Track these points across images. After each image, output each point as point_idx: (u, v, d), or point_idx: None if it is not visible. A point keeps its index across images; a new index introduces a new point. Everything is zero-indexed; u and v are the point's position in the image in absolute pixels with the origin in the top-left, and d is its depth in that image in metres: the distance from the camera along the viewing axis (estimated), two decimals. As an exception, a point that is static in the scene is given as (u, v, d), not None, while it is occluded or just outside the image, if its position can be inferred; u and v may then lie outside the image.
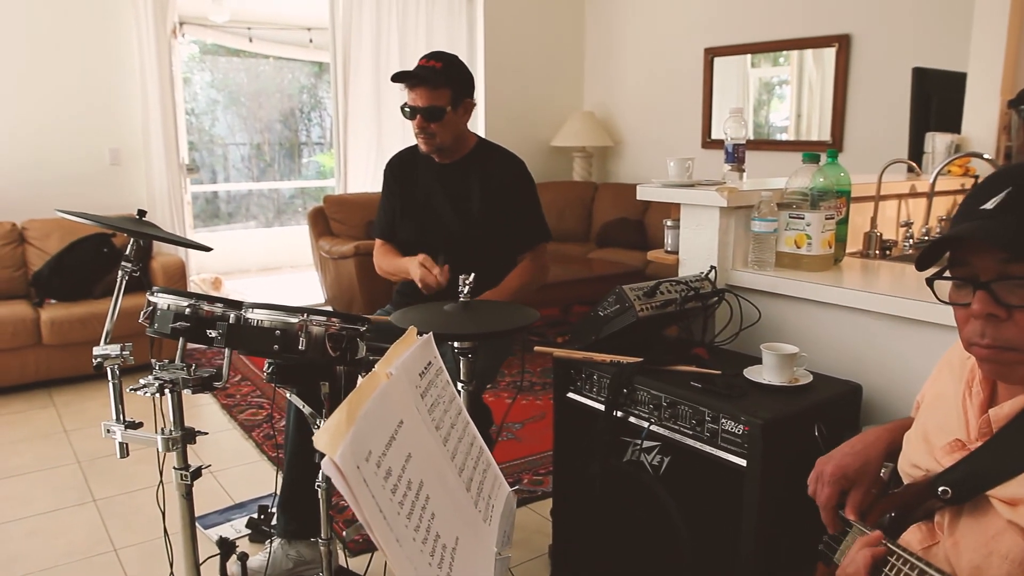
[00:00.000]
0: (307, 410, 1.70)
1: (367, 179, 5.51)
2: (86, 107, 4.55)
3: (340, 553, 2.27)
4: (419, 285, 2.16)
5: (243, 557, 1.94)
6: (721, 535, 1.58)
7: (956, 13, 4.01)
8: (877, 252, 2.36)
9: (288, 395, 1.77)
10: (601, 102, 6.35)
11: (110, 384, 1.62)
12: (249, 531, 2.51)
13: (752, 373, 1.69)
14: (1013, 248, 0.91)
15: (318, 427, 1.67)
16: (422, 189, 2.37)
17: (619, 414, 1.75)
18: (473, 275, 1.75)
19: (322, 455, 0.75)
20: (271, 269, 7.44)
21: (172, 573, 1.83)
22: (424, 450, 0.96)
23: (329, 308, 4.79)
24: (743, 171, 2.28)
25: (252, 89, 7.49)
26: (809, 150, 2.05)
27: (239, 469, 3.04)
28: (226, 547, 1.94)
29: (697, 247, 2.09)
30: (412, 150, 2.42)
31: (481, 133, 4.35)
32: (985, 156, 2.58)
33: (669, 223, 2.25)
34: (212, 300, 1.62)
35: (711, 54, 5.45)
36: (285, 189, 7.95)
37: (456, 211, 2.32)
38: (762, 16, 5.10)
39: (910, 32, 4.35)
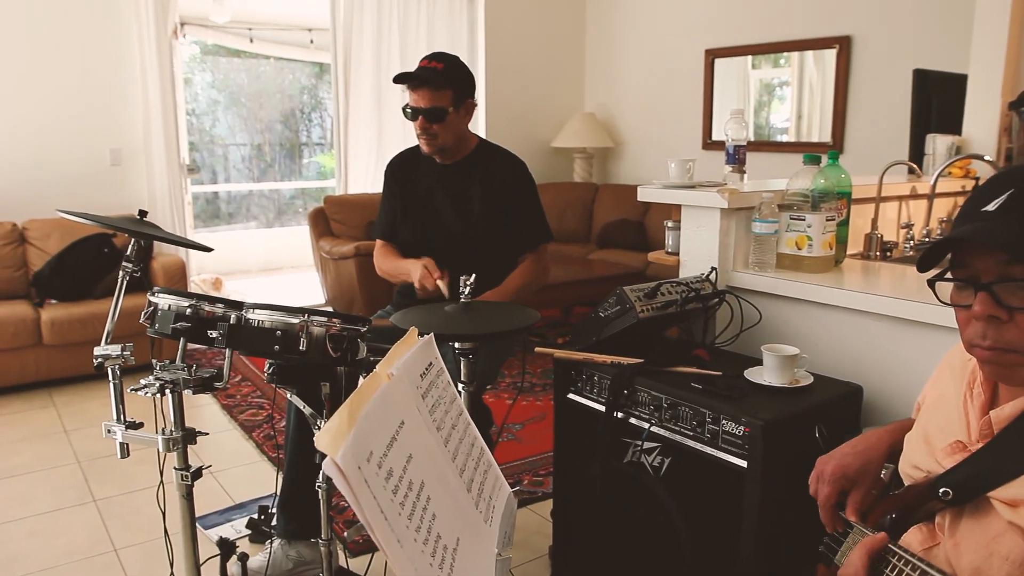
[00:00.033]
0: (307, 410, 1.70)
1: (368, 180, 5.51)
2: (87, 107, 4.56)
3: (340, 554, 2.27)
4: (416, 287, 2.16)
5: (243, 557, 1.93)
6: (721, 536, 1.58)
7: (957, 15, 4.01)
8: (878, 254, 2.36)
9: (288, 395, 1.77)
10: (602, 103, 6.35)
11: (111, 384, 1.62)
12: (249, 531, 2.51)
13: (753, 374, 1.69)
14: (1014, 250, 0.91)
15: (318, 428, 1.67)
16: (423, 190, 2.37)
17: (620, 415, 1.75)
18: (474, 276, 1.75)
19: (323, 455, 0.75)
20: (271, 270, 7.44)
21: (172, 573, 1.83)
22: (425, 451, 0.96)
23: (330, 309, 4.79)
24: (744, 172, 2.28)
25: (253, 89, 7.49)
26: (810, 151, 2.05)
27: (239, 469, 3.04)
28: (226, 547, 1.94)
29: (698, 248, 2.09)
30: (413, 151, 2.42)
31: (482, 134, 4.34)
32: (986, 158, 2.58)
33: (670, 224, 2.25)
34: (213, 300, 1.62)
35: (712, 55, 5.45)
36: (286, 190, 7.95)
37: (457, 212, 2.32)
38: (763, 17, 5.11)
39: (911, 34, 4.35)
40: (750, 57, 5.29)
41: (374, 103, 5.46)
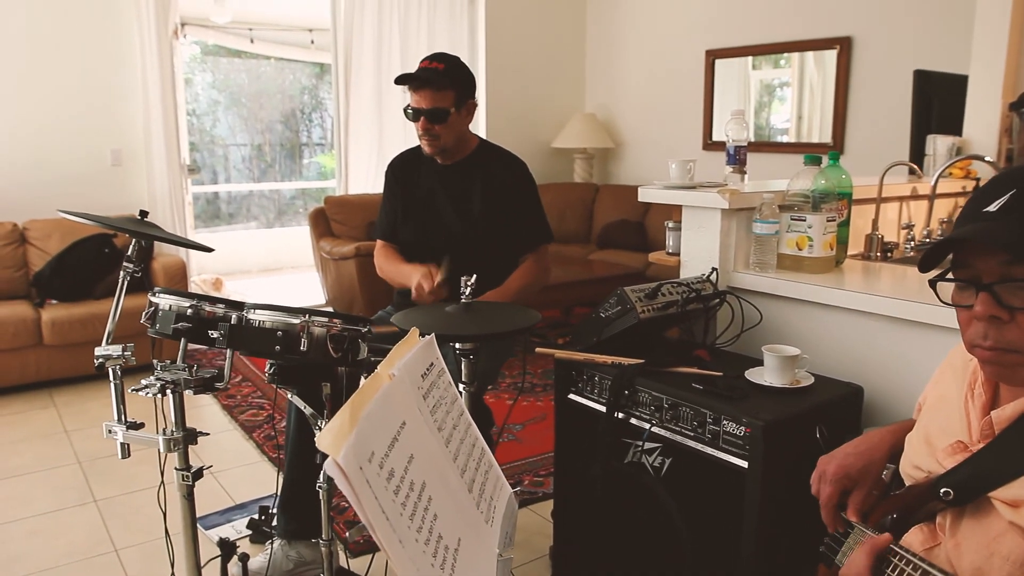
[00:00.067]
0: (308, 411, 1.70)
1: (368, 180, 5.51)
2: (87, 107, 4.56)
3: (341, 554, 2.27)
4: (413, 296, 2.16)
5: (244, 558, 1.93)
6: (722, 536, 1.58)
7: (957, 16, 4.01)
8: (878, 254, 2.36)
9: (289, 396, 1.77)
10: (602, 104, 6.35)
11: (112, 385, 1.62)
12: (250, 532, 2.51)
13: (753, 375, 1.69)
14: (1016, 250, 0.91)
15: (319, 428, 1.67)
16: (424, 190, 2.38)
17: (620, 416, 1.75)
18: (475, 276, 1.76)
19: (324, 456, 0.75)
20: (272, 270, 7.44)
21: (173, 574, 1.83)
22: (426, 451, 0.97)
23: (330, 309, 4.79)
24: (744, 173, 2.28)
25: (253, 90, 7.50)
26: (810, 152, 2.05)
27: (240, 470, 3.04)
28: (227, 548, 1.94)
29: (698, 249, 2.09)
30: (414, 151, 2.42)
31: (482, 134, 4.34)
32: (986, 159, 2.58)
33: (671, 225, 2.25)
34: (214, 301, 1.62)
35: (712, 56, 5.45)
36: (286, 190, 7.95)
37: (457, 212, 2.33)
38: (763, 18, 5.11)
39: (911, 34, 4.35)
40: (750, 58, 5.29)
41: (375, 103, 5.47)
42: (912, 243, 2.53)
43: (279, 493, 2.26)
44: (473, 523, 1.02)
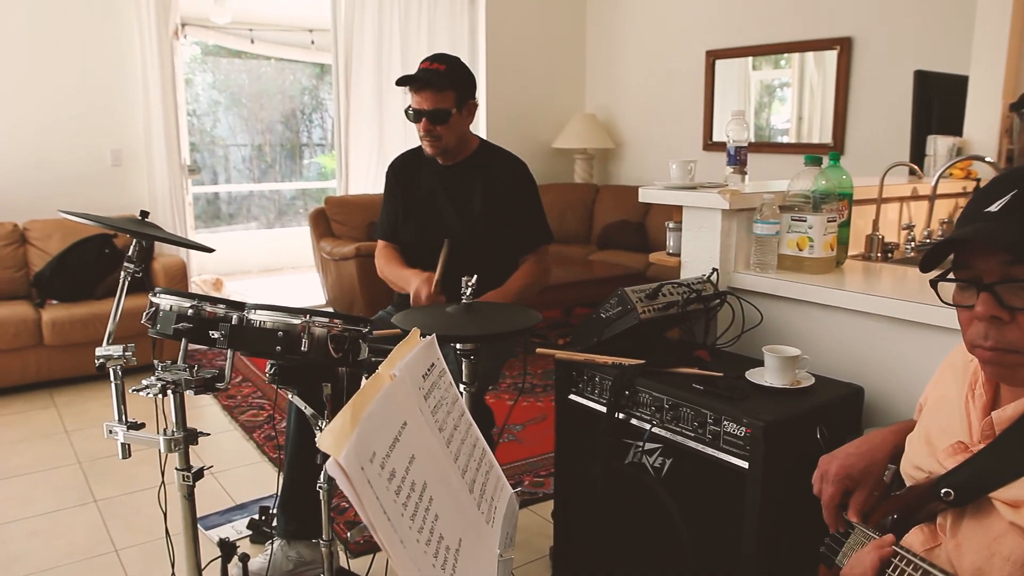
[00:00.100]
0: (309, 411, 1.70)
1: (368, 180, 5.51)
2: (87, 108, 4.56)
3: (341, 554, 2.27)
4: (412, 302, 2.17)
5: (244, 558, 1.93)
6: (723, 537, 1.58)
7: (957, 16, 4.01)
8: (879, 255, 2.36)
9: (290, 396, 1.77)
10: (602, 104, 6.35)
11: (112, 385, 1.62)
12: (250, 532, 2.51)
13: (754, 375, 1.69)
14: (1017, 251, 0.91)
15: (320, 428, 1.67)
16: (424, 191, 2.38)
17: (621, 416, 1.75)
18: (475, 276, 1.76)
19: (324, 456, 0.75)
20: (272, 270, 7.44)
21: (174, 574, 1.83)
22: (427, 451, 0.97)
23: (330, 309, 4.79)
24: (745, 173, 2.28)
25: (253, 90, 7.50)
26: (810, 153, 2.05)
27: (240, 470, 3.04)
28: (227, 548, 1.94)
29: (699, 249, 2.09)
30: (415, 152, 2.43)
31: (483, 135, 4.35)
32: (987, 159, 2.58)
33: (671, 225, 2.25)
34: (214, 301, 1.62)
35: (712, 56, 5.45)
36: (286, 190, 7.95)
37: (458, 213, 2.33)
38: (763, 19, 5.11)
39: (911, 35, 4.35)
40: (751, 58, 5.29)
41: (375, 104, 5.47)
42: (912, 244, 2.53)
43: (279, 493, 2.26)
44: (474, 523, 1.02)
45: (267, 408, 3.66)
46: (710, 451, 1.58)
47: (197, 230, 6.27)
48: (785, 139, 5.25)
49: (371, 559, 2.22)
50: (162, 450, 1.62)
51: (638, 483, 1.73)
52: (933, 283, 1.03)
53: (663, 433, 1.67)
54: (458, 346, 1.71)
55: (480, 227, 2.31)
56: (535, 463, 3.09)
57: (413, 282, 2.17)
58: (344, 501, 2.67)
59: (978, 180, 2.86)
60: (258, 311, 1.57)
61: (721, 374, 1.71)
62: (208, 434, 1.71)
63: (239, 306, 1.61)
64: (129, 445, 1.62)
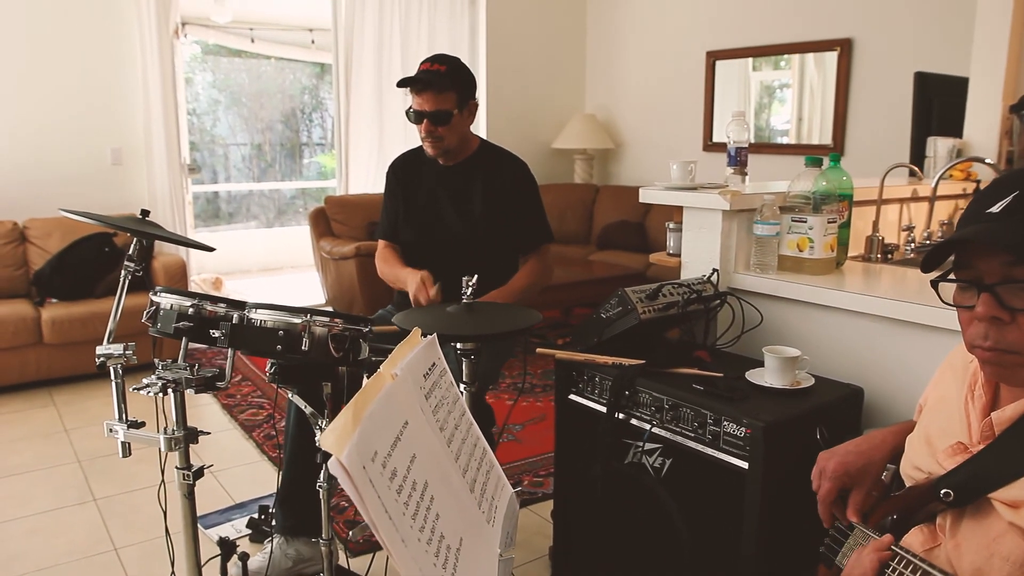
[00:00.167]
0: (308, 410, 1.70)
1: (368, 180, 5.51)
2: (87, 107, 4.56)
3: (341, 554, 2.27)
4: (411, 300, 2.17)
5: (244, 557, 1.94)
6: (722, 537, 1.58)
7: (958, 18, 4.02)
8: (879, 256, 2.36)
9: (290, 395, 1.77)
10: (602, 104, 6.35)
11: (113, 384, 1.62)
12: (250, 531, 2.51)
13: (754, 376, 1.69)
14: (1018, 251, 0.91)
15: (319, 427, 1.68)
16: (425, 191, 2.38)
17: (621, 416, 1.76)
18: (476, 276, 1.76)
19: (325, 455, 0.75)
20: (272, 269, 7.44)
21: (174, 573, 1.83)
22: (429, 451, 0.97)
23: (330, 309, 4.79)
24: (745, 174, 2.28)
25: (254, 89, 7.50)
26: (810, 154, 2.06)
27: (239, 469, 3.04)
28: (227, 547, 1.94)
29: (699, 250, 2.09)
30: (415, 152, 2.43)
31: (483, 135, 4.35)
32: (987, 161, 2.58)
33: (671, 226, 2.25)
34: (215, 300, 1.62)
35: (713, 57, 5.46)
36: (286, 189, 7.95)
37: (459, 213, 2.33)
38: (764, 19, 5.11)
39: (912, 36, 4.35)
40: (751, 59, 5.29)
41: (375, 103, 5.47)
42: (912, 245, 2.53)
43: (278, 489, 2.26)
44: (475, 523, 1.02)
45: (267, 407, 3.66)
46: (710, 451, 1.58)
47: (197, 229, 6.27)
48: (785, 140, 5.26)
49: (371, 558, 2.22)
50: (162, 449, 1.62)
51: (638, 483, 1.73)
52: (934, 283, 1.03)
53: (663, 433, 1.67)
54: (458, 346, 1.72)
55: (481, 227, 2.31)
56: (535, 463, 3.09)
57: (410, 285, 2.17)
58: (343, 500, 2.67)
59: (978, 182, 2.87)
60: (259, 310, 1.58)
61: (721, 374, 1.71)
62: (208, 433, 1.71)
63: (240, 305, 1.61)
64: (129, 444, 1.62)
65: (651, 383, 1.70)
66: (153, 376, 1.60)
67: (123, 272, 1.73)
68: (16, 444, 3.27)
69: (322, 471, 1.69)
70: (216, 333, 1.55)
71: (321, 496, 1.71)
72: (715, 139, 5.52)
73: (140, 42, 4.59)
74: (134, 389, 1.59)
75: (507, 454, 3.15)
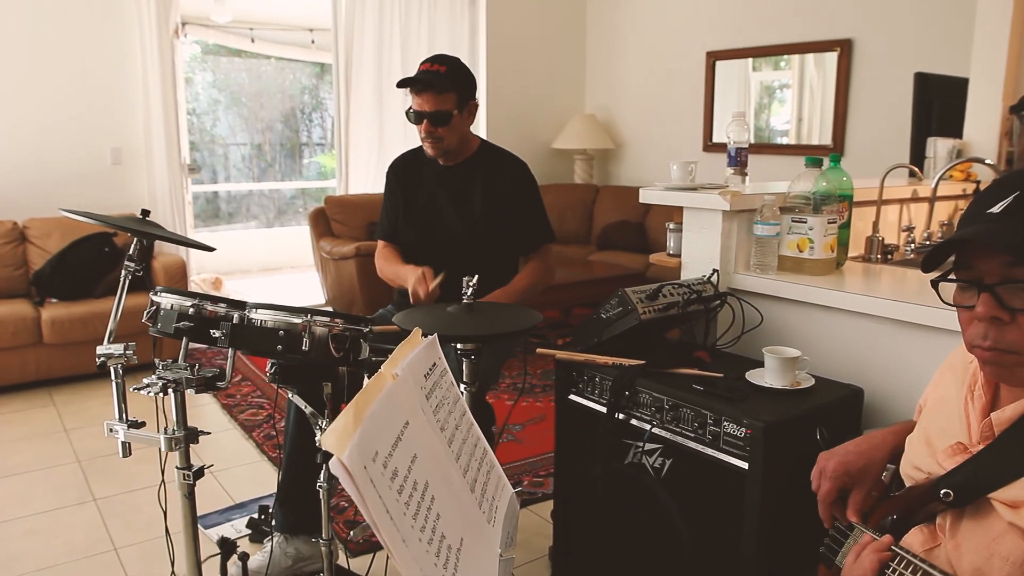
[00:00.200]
0: (308, 410, 1.70)
1: (368, 180, 5.51)
2: (87, 106, 4.56)
3: (341, 553, 2.27)
4: (410, 297, 2.17)
5: (243, 557, 1.94)
6: (722, 537, 1.58)
7: (958, 18, 4.02)
8: (879, 256, 2.36)
9: (290, 395, 1.77)
10: (602, 105, 6.36)
11: (113, 384, 1.62)
12: (249, 531, 2.51)
13: (754, 376, 1.69)
14: (1019, 252, 0.91)
15: (319, 427, 1.68)
16: (425, 191, 2.38)
17: (621, 416, 1.76)
18: (477, 277, 1.76)
19: (326, 455, 0.75)
20: (271, 269, 7.44)
21: (174, 572, 1.83)
22: (429, 451, 0.97)
23: (330, 309, 4.79)
24: (745, 175, 2.28)
25: (253, 89, 7.50)
26: (810, 154, 2.06)
27: (239, 469, 3.04)
28: (227, 547, 1.94)
29: (699, 250, 2.10)
30: (415, 152, 2.43)
31: (483, 135, 4.35)
32: (987, 161, 2.58)
33: (672, 226, 2.25)
34: (216, 300, 1.62)
35: (713, 57, 5.46)
36: (286, 189, 7.95)
37: (459, 213, 2.33)
38: (764, 20, 5.11)
39: (912, 37, 4.36)
40: (751, 59, 5.29)
41: (375, 103, 5.47)
42: (912, 245, 2.53)
43: (278, 488, 2.26)
44: (475, 523, 1.03)
45: (266, 407, 3.66)
46: (710, 452, 1.58)
47: (196, 229, 6.27)
48: (785, 140, 5.26)
49: (371, 558, 2.22)
50: (163, 449, 1.62)
51: (638, 483, 1.73)
52: (934, 283, 1.03)
53: (663, 434, 1.67)
54: (459, 346, 1.72)
55: (481, 227, 2.31)
56: (535, 463, 3.09)
57: (409, 280, 2.17)
58: (343, 500, 2.67)
59: (978, 182, 2.87)
60: (259, 310, 1.58)
61: (721, 375, 1.71)
62: (208, 433, 1.71)
63: (240, 305, 1.61)
64: (129, 444, 1.62)
65: (651, 383, 1.70)
66: (153, 376, 1.60)
67: (123, 272, 1.73)
68: (16, 444, 3.27)
69: (322, 471, 1.69)
70: (216, 333, 1.55)
71: (321, 496, 1.71)
72: (715, 139, 5.52)
73: (140, 42, 4.59)
74: (134, 389, 1.59)
75: (507, 454, 3.15)
